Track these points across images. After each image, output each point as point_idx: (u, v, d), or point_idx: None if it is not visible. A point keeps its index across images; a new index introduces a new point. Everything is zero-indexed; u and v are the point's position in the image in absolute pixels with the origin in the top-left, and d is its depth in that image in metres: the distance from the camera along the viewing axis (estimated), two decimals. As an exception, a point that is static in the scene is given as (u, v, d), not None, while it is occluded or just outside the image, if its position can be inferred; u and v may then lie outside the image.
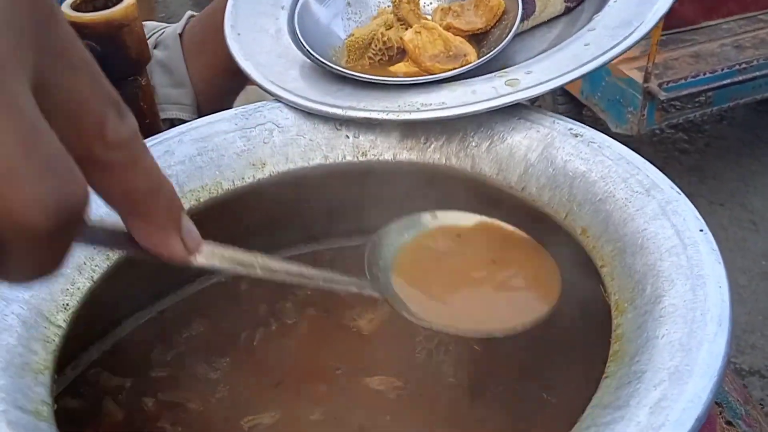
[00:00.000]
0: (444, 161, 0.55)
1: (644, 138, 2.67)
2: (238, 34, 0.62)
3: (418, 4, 0.62)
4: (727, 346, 0.35)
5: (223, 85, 0.80)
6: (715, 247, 0.40)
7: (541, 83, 0.51)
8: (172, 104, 0.79)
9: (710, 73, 2.28)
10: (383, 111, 0.54)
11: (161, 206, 0.31)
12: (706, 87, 2.29)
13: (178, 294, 0.65)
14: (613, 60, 0.52)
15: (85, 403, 0.56)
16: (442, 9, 0.62)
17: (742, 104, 2.49)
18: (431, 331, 0.57)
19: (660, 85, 2.23)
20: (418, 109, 0.53)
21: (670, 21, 2.20)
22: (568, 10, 0.62)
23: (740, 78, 2.32)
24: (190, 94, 0.79)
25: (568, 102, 2.61)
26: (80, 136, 0.27)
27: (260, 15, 0.64)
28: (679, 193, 0.44)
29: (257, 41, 0.61)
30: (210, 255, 0.36)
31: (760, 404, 1.97)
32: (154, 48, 0.79)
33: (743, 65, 2.32)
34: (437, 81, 0.55)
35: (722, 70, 2.29)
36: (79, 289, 0.49)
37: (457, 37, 0.58)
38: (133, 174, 0.29)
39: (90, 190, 0.26)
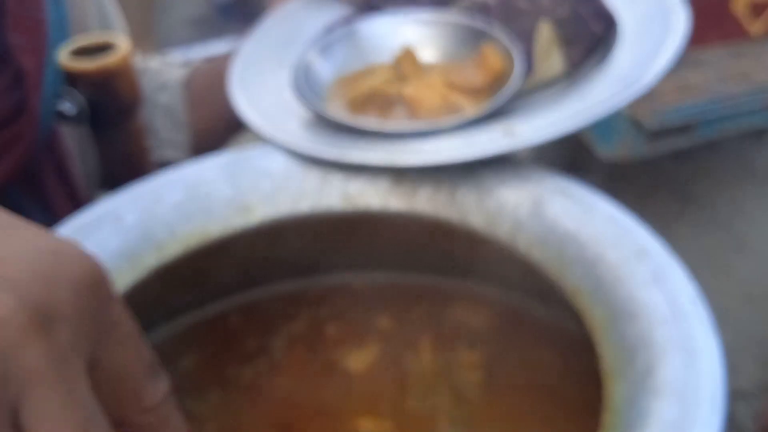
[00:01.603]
0: (432, 212, 0.54)
1: (632, 164, 2.69)
2: (241, 83, 0.63)
3: (417, 64, 0.62)
4: (720, 429, 0.35)
5: (220, 131, 0.83)
6: (708, 318, 0.40)
7: (536, 134, 0.52)
8: (168, 146, 0.81)
9: (696, 104, 2.30)
10: (375, 156, 0.54)
11: None
12: (691, 118, 2.31)
13: (166, 327, 0.64)
14: (612, 112, 0.52)
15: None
16: (443, 66, 0.62)
17: (727, 134, 2.51)
18: (422, 373, 0.58)
19: (647, 115, 2.25)
20: (410, 153, 0.54)
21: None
22: (568, 74, 0.62)
23: (725, 110, 2.35)
24: (187, 138, 0.82)
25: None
26: (120, 402, 0.29)
27: (264, 71, 0.66)
28: (671, 260, 0.44)
29: (258, 94, 0.63)
30: None
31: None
32: (159, 91, 0.82)
33: (728, 97, 2.35)
34: (433, 131, 0.55)
35: (707, 101, 2.31)
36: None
37: (457, 94, 0.58)
38: (167, 428, 0.31)
39: None
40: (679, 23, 0.59)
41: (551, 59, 0.62)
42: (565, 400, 0.56)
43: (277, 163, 0.57)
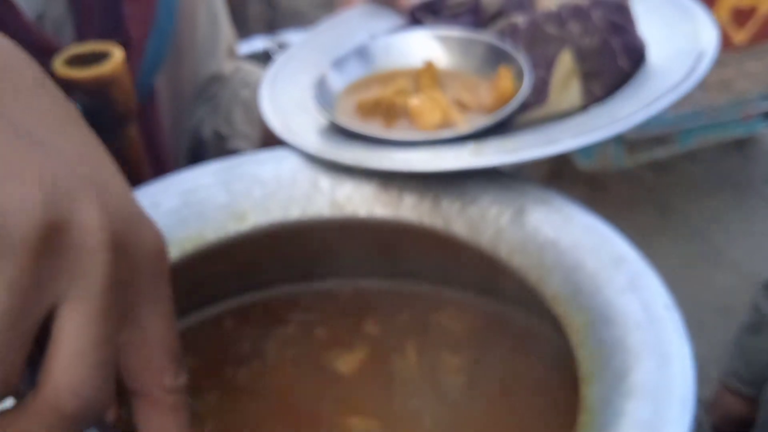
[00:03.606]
0: (417, 219, 0.56)
1: (612, 175, 2.71)
2: (274, 82, 0.67)
3: (436, 78, 0.64)
4: (690, 430, 0.37)
5: None
6: (681, 324, 0.42)
7: (499, 156, 0.53)
8: (241, 138, 0.88)
9: (676, 113, 2.30)
10: (352, 158, 0.57)
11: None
12: (672, 127, 2.32)
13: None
14: (584, 145, 0.53)
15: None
16: (460, 82, 0.64)
17: (708, 145, 2.51)
18: (408, 376, 0.60)
19: (627, 125, 2.25)
20: (379, 161, 0.56)
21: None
22: (585, 107, 0.61)
23: (706, 120, 2.35)
24: (259, 133, 0.87)
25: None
26: (146, 370, 0.32)
27: (300, 71, 0.68)
28: (647, 267, 0.46)
29: (286, 91, 0.66)
30: None
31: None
32: (243, 87, 0.89)
33: (708, 107, 2.34)
34: (415, 142, 0.57)
35: (689, 111, 2.31)
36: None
37: (458, 112, 0.60)
38: (176, 418, 0.33)
39: None
40: (699, 70, 0.58)
41: (569, 90, 0.61)
42: (544, 402, 0.57)
43: (267, 170, 0.59)
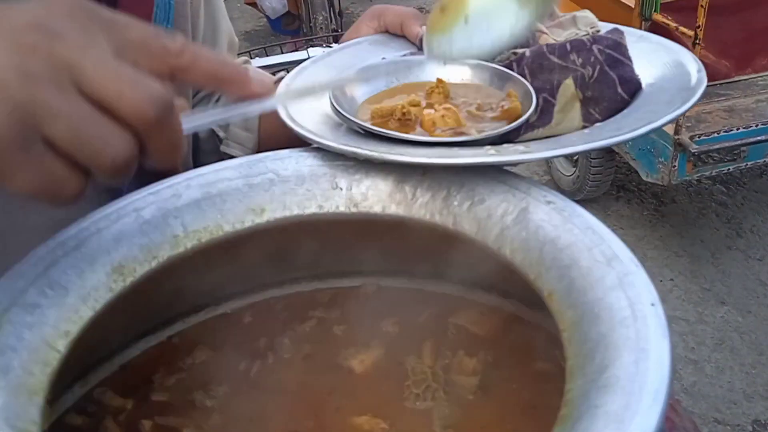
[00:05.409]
0: (428, 217, 0.58)
1: (680, 188, 2.65)
2: (287, 84, 0.70)
3: (448, 95, 0.66)
4: (659, 421, 0.37)
5: (285, 139, 0.88)
6: (664, 322, 0.42)
7: (514, 156, 0.55)
8: (236, 143, 0.89)
9: (744, 128, 2.25)
10: (372, 151, 0.58)
11: (234, 69, 0.46)
12: (739, 141, 2.26)
13: (186, 321, 0.68)
14: (593, 149, 0.55)
15: (89, 421, 0.60)
16: (468, 103, 0.66)
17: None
18: (421, 375, 0.61)
19: (691, 138, 2.22)
20: (400, 154, 0.57)
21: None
22: (584, 128, 0.64)
23: (773, 135, 2.28)
24: (254, 140, 0.88)
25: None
26: (157, 57, 0.42)
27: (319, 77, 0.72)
28: (638, 266, 0.46)
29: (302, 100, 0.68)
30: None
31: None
32: None
33: (777, 122, 2.28)
34: (433, 143, 0.59)
35: (756, 125, 2.26)
36: (81, 317, 0.52)
37: (470, 125, 0.62)
38: (205, 60, 0.44)
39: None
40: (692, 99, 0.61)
41: (571, 114, 0.65)
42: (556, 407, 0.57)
43: (288, 168, 0.61)
